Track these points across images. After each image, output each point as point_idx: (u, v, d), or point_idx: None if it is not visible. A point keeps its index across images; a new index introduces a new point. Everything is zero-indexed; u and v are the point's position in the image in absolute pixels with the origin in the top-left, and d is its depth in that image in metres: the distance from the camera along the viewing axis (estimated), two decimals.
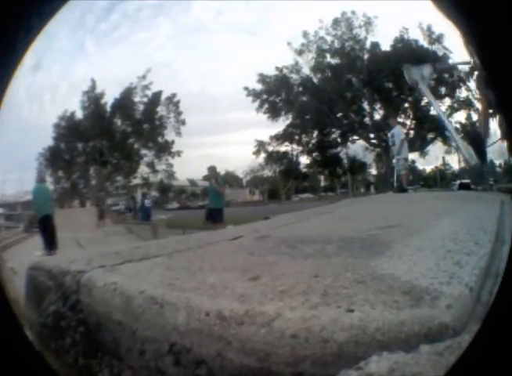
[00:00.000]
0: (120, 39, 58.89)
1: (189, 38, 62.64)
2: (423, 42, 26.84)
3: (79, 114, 29.83)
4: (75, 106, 30.07)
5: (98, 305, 1.07)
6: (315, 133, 31.81)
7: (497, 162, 15.47)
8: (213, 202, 9.91)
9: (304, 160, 33.99)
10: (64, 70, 44.19)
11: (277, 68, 30.58)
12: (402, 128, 15.48)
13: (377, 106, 29.69)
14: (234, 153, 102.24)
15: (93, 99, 29.39)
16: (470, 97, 25.67)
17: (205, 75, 54.48)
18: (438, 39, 25.88)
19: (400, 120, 25.62)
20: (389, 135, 11.37)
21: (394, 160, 11.37)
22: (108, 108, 29.98)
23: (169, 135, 30.64)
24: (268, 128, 46.38)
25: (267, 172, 44.73)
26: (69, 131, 28.99)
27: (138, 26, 57.81)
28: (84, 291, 1.15)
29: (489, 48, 0.82)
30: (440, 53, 26.00)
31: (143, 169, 30.84)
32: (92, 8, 40.83)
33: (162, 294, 0.94)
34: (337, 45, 29.03)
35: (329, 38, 29.18)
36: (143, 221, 15.46)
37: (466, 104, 26.74)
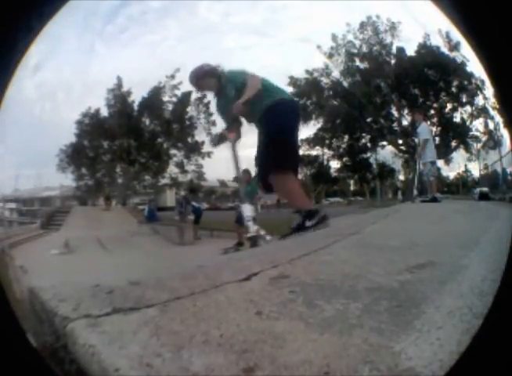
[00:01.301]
0: (130, 41, 60.04)
1: (200, 40, 63.40)
2: (444, 49, 26.43)
3: (103, 112, 30.12)
4: (93, 104, 30.41)
5: (81, 361, 1.04)
6: (346, 138, 31.61)
7: (508, 170, 15.68)
8: None
9: (335, 164, 33.93)
10: (75, 70, 45.18)
11: (307, 71, 30.38)
12: (429, 126, 14.21)
13: (405, 111, 29.23)
14: None
15: (119, 98, 29.52)
16: (487, 105, 25.51)
17: None
18: (456, 46, 25.22)
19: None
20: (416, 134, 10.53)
21: (418, 164, 10.19)
22: (135, 107, 30.15)
23: (199, 135, 30.43)
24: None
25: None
26: (93, 128, 29.15)
27: (147, 28, 59.17)
28: (70, 341, 1.14)
29: (490, 48, 0.85)
30: (459, 60, 25.66)
31: (172, 169, 30.86)
32: (96, 12, 41.77)
33: None
34: (365, 49, 28.72)
35: (357, 42, 28.94)
36: (195, 223, 14.89)
37: (484, 112, 26.31)
